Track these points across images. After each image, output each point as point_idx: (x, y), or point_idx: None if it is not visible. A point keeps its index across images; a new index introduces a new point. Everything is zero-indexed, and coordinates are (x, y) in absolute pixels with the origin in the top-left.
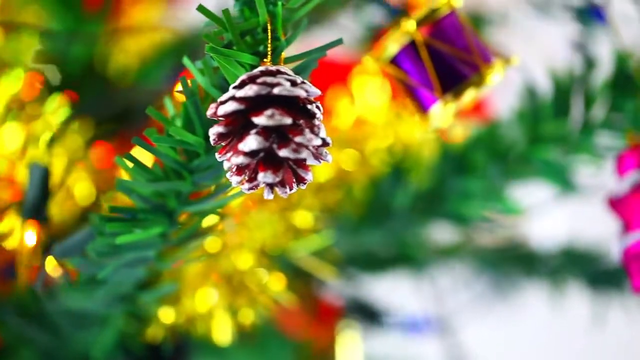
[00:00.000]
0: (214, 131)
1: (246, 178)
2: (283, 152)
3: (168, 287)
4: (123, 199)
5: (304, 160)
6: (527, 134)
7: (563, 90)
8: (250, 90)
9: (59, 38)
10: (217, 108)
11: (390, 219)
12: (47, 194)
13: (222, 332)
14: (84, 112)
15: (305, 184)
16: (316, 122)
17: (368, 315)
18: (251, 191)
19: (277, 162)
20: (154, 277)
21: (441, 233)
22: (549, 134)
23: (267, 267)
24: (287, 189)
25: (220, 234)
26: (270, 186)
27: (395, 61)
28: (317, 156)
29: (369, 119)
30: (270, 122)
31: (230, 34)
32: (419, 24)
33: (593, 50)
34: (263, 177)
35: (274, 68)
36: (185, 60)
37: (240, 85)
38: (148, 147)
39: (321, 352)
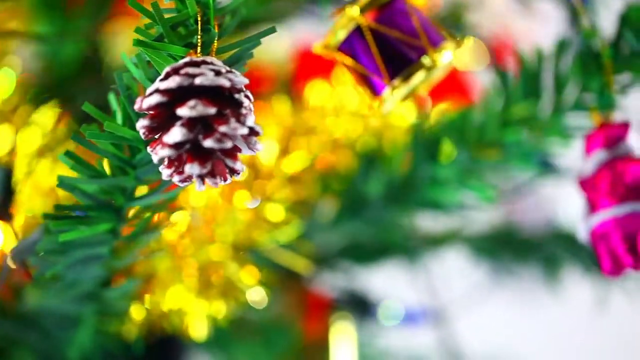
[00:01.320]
0: (140, 125)
1: (175, 170)
2: (207, 143)
3: (130, 284)
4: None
5: (233, 150)
6: (499, 117)
7: (533, 72)
8: (172, 82)
9: (48, 40)
10: (142, 101)
11: (367, 209)
12: (10, 193)
13: (197, 327)
14: (78, 111)
15: (238, 174)
16: (243, 110)
17: (361, 306)
18: (185, 184)
19: (205, 153)
20: (124, 274)
21: (433, 221)
22: (519, 116)
23: (240, 261)
24: (219, 180)
25: (175, 228)
26: (201, 178)
27: (343, 48)
28: (247, 145)
29: (344, 108)
30: (193, 113)
31: (160, 27)
32: (364, 9)
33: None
34: (190, 168)
35: (199, 59)
36: (122, 55)
37: (165, 78)
38: (87, 144)
39: (314, 344)
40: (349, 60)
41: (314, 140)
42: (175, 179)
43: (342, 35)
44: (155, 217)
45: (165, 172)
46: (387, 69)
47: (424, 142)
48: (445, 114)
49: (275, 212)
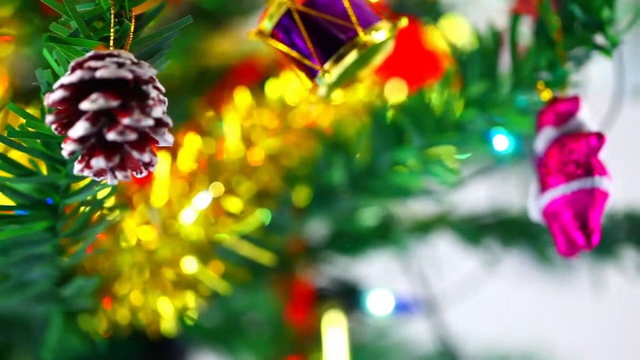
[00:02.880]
0: (48, 121)
1: (85, 165)
2: (111, 136)
3: (86, 282)
4: None
5: (142, 142)
6: (456, 98)
7: (488, 50)
8: (74, 76)
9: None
10: (48, 97)
11: (333, 198)
12: None
13: (164, 322)
14: None
15: (153, 166)
16: (149, 102)
17: (350, 297)
18: (101, 178)
19: (111, 147)
20: (81, 272)
21: (420, 207)
22: (476, 96)
23: (204, 256)
24: (129, 173)
25: (137, 224)
26: (112, 171)
27: (277, 34)
28: (155, 137)
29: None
30: (94, 106)
31: (74, 21)
32: None
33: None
34: (96, 162)
35: (105, 52)
36: (45, 52)
37: (71, 72)
38: (12, 144)
39: (304, 335)
40: (282, 46)
41: (277, 130)
42: (86, 173)
43: (274, 20)
44: (95, 213)
45: (76, 167)
46: (318, 53)
47: (384, 127)
48: (403, 97)
49: (238, 204)
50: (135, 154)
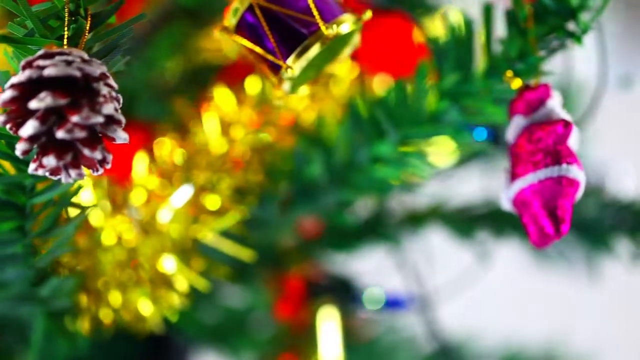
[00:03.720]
0: (0, 121)
1: (39, 164)
2: (59, 134)
3: (63, 281)
4: None
5: (93, 139)
6: (432, 89)
7: (462, 40)
8: (23, 76)
9: None
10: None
11: (314, 193)
12: None
13: (147, 321)
14: None
15: (107, 163)
16: (100, 99)
17: (344, 292)
18: (57, 177)
19: (62, 145)
20: (67, 272)
21: (412, 200)
22: (451, 87)
23: (184, 253)
24: (82, 171)
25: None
26: (66, 169)
27: (242, 30)
28: (106, 134)
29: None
30: (42, 105)
31: (29, 20)
32: None
33: None
34: (47, 161)
35: (56, 50)
36: (4, 51)
37: (22, 71)
38: None
39: (298, 332)
40: (247, 42)
41: (259, 126)
42: (41, 172)
43: (237, 16)
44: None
45: (30, 167)
46: (281, 48)
47: (361, 121)
48: (379, 90)
49: (219, 201)
50: (86, 152)
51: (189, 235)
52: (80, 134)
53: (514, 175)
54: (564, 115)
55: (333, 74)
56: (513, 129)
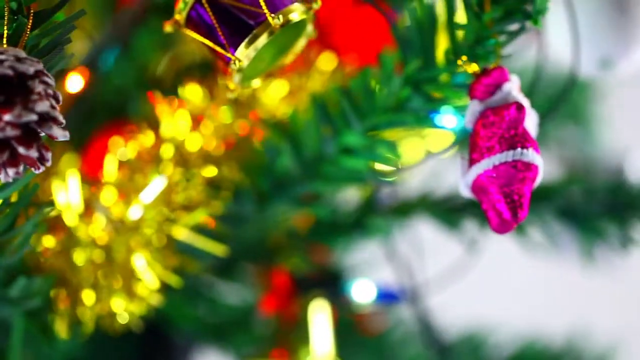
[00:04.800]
0: None
1: None
2: None
3: (29, 282)
4: None
5: (29, 137)
6: (397, 78)
7: (423, 25)
8: None
9: None
10: None
11: (288, 186)
12: None
13: (123, 318)
14: None
15: (47, 161)
16: (33, 97)
17: (333, 285)
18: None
19: None
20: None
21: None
22: (412, 75)
23: (161, 249)
24: (20, 169)
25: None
26: (4, 168)
27: (192, 23)
28: (42, 131)
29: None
30: None
31: None
32: None
33: None
34: None
35: None
36: None
37: None
38: None
39: (289, 326)
40: (197, 35)
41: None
42: None
43: (187, 9)
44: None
45: None
46: (230, 40)
47: (328, 113)
48: (342, 79)
49: (193, 196)
50: (22, 150)
51: (164, 231)
52: (13, 132)
53: (471, 162)
54: (520, 98)
55: (312, 67)
56: (469, 114)
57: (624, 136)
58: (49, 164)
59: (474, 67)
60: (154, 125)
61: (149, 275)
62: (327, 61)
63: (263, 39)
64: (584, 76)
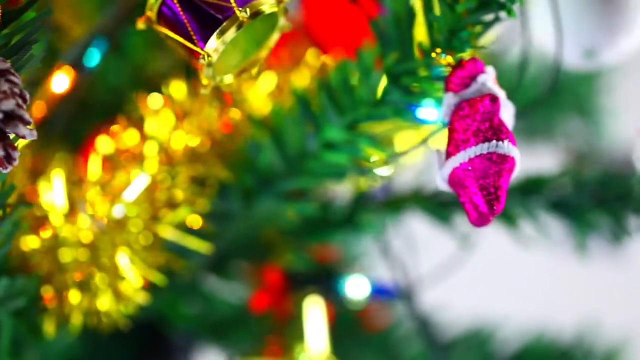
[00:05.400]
0: None
1: None
2: None
3: (8, 282)
4: None
5: None
6: (372, 71)
7: (400, 17)
8: None
9: None
10: None
11: (272, 182)
12: None
13: (110, 317)
14: None
15: (14, 160)
16: None
17: (327, 282)
18: None
19: None
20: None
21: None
22: (391, 68)
23: (147, 248)
24: None
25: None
26: None
27: (164, 19)
28: (8, 130)
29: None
30: None
31: None
32: None
33: None
34: None
35: None
36: None
37: None
38: None
39: (282, 323)
40: (169, 32)
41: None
42: None
43: (157, 5)
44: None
45: None
46: (200, 35)
47: (309, 108)
48: (321, 74)
49: (175, 194)
50: None
51: (150, 230)
52: None
53: (447, 155)
54: (496, 90)
55: (299, 63)
56: (445, 107)
57: (631, 128)
58: (16, 162)
59: (449, 59)
60: (139, 123)
61: (132, 274)
62: (314, 57)
63: (231, 33)
64: (569, 66)
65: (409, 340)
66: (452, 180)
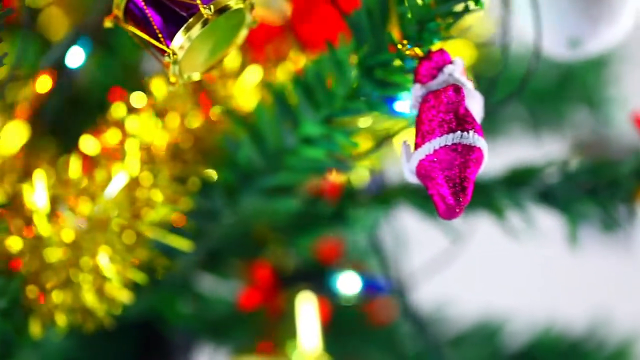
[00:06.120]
0: None
1: None
2: None
3: None
4: None
5: None
6: (351, 67)
7: (374, 9)
8: None
9: None
10: None
11: (254, 179)
12: None
13: (95, 316)
14: None
15: None
16: None
17: (318, 278)
18: None
19: None
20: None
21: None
22: (363, 60)
23: (130, 247)
24: None
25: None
26: None
27: (130, 17)
28: None
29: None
30: None
31: None
32: None
33: None
34: None
35: None
36: None
37: None
38: None
39: (274, 319)
40: (136, 30)
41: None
42: None
43: (124, 3)
44: None
45: None
46: (165, 33)
47: (285, 103)
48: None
49: (157, 192)
50: None
51: (133, 229)
52: None
53: (415, 147)
54: (463, 81)
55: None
56: (413, 99)
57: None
58: None
59: (416, 51)
60: (121, 121)
61: (114, 273)
62: (297, 53)
63: (196, 30)
64: (550, 55)
65: (414, 335)
66: (419, 172)
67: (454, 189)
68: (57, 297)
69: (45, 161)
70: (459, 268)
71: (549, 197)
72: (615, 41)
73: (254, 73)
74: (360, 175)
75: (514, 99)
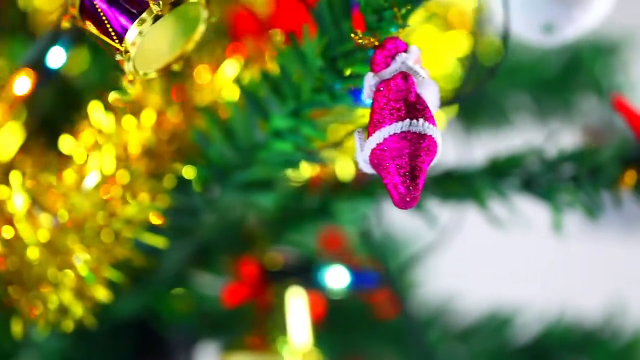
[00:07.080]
0: None
1: None
2: None
3: None
4: None
5: None
6: (314, 59)
7: (335, 4)
8: None
9: None
10: None
11: (228, 174)
12: None
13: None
14: None
15: None
16: None
17: (307, 273)
18: None
19: None
20: None
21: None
22: (325, 51)
23: (109, 246)
24: None
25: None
26: None
27: (85, 16)
28: None
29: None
30: None
31: None
32: None
33: None
34: None
35: None
36: None
37: None
38: None
39: (264, 315)
40: (93, 28)
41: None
42: None
43: (78, 1)
44: None
45: None
46: (118, 31)
47: (254, 99)
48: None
49: (133, 190)
50: None
51: (110, 227)
52: None
53: (368, 135)
54: (416, 68)
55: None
56: (366, 88)
57: None
58: None
59: (372, 40)
60: (97, 119)
61: (87, 273)
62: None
63: (147, 26)
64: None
65: (425, 327)
66: (372, 161)
67: (404, 178)
68: (36, 296)
69: (30, 162)
70: (468, 259)
71: (532, 186)
72: (591, 27)
73: (231, 67)
74: (345, 167)
75: (484, 85)
